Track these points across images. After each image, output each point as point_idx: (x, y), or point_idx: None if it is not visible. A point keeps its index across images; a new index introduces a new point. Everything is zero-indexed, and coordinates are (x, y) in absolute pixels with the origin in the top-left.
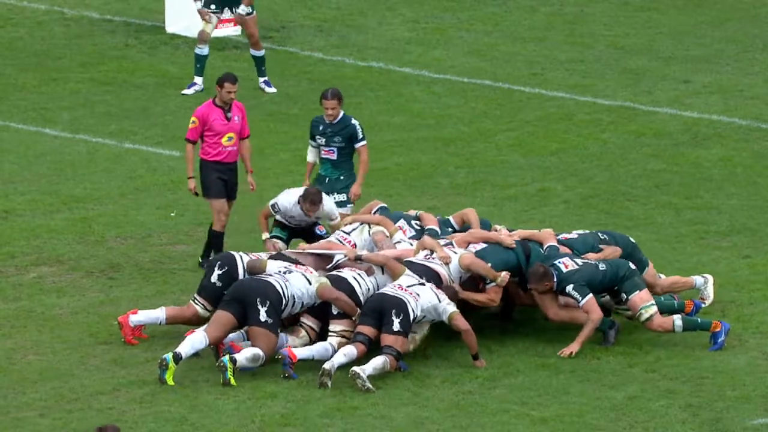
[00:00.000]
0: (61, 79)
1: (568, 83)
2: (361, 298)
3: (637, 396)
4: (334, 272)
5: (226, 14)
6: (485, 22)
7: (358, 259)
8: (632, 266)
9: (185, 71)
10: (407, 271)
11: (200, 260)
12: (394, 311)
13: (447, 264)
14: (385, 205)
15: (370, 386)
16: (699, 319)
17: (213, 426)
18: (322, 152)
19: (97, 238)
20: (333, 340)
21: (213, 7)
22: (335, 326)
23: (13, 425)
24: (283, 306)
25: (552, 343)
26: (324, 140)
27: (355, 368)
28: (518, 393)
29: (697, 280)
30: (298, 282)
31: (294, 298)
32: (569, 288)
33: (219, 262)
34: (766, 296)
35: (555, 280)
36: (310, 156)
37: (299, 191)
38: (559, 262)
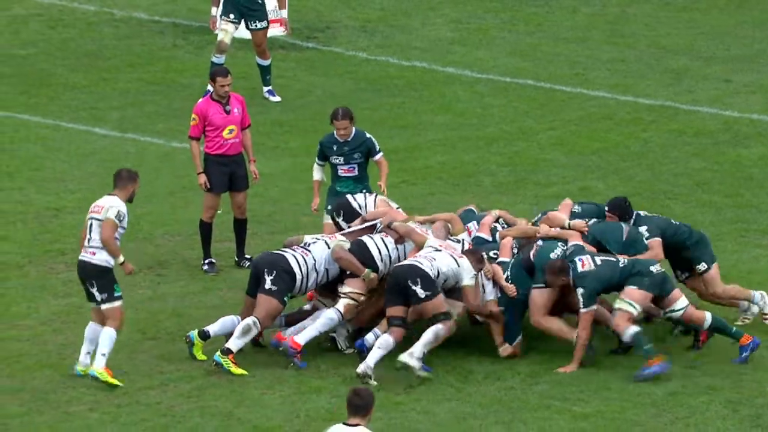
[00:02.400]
0: (110, 79)
1: (610, 83)
2: (379, 264)
3: (677, 392)
4: (361, 237)
5: (242, 26)
6: (527, 23)
7: (389, 226)
8: (656, 268)
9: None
10: (429, 241)
11: (236, 259)
12: (410, 281)
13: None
14: (473, 207)
15: (422, 373)
16: (733, 328)
17: (259, 420)
18: (341, 171)
19: (146, 236)
20: (341, 303)
21: (232, 16)
22: (344, 287)
23: (64, 419)
24: (297, 276)
25: (593, 340)
26: (342, 159)
27: (403, 357)
28: (559, 389)
29: (756, 295)
30: (319, 250)
31: (316, 268)
32: (580, 291)
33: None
34: None
35: (571, 276)
36: (318, 174)
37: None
38: (578, 259)
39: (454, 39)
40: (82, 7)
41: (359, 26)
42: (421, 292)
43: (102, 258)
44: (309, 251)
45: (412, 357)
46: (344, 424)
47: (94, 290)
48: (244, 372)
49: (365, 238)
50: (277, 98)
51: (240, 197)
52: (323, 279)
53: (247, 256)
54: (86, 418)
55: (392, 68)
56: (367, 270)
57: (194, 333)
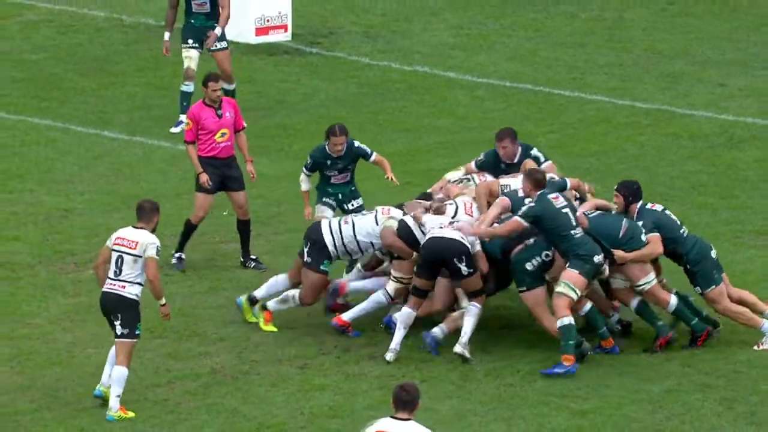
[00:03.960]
0: (119, 83)
1: (607, 87)
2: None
3: (673, 389)
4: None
5: (202, 50)
6: (526, 28)
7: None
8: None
9: (235, 75)
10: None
11: (241, 260)
12: (455, 258)
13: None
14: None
15: (470, 357)
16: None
17: (263, 417)
18: (334, 179)
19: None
20: (390, 286)
21: (190, 42)
22: (395, 271)
23: (74, 416)
24: (329, 246)
25: (592, 338)
26: (337, 171)
27: (457, 348)
28: (558, 386)
29: (765, 324)
30: (365, 224)
31: (356, 239)
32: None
33: None
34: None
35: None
36: (306, 185)
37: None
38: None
39: (455, 44)
40: (92, 14)
41: (362, 32)
42: (464, 269)
43: (133, 292)
44: (351, 222)
45: (465, 347)
46: (392, 417)
47: (117, 323)
48: (274, 329)
49: (408, 219)
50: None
51: (239, 198)
52: (369, 249)
53: (253, 257)
54: (95, 414)
55: (394, 73)
56: (415, 254)
57: (242, 298)
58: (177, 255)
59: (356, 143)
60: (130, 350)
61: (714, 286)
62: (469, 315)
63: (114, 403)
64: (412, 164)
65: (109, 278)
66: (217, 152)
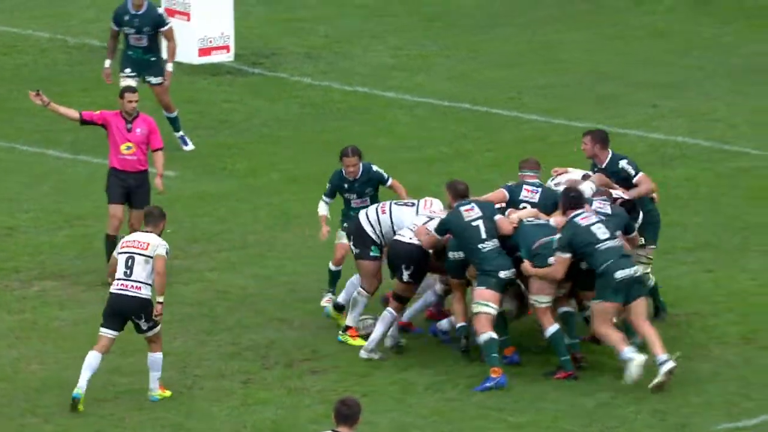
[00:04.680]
0: (63, 103)
1: (543, 107)
2: None
3: (607, 402)
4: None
5: (139, 79)
6: (465, 49)
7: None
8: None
9: (178, 95)
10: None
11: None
12: (404, 264)
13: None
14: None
15: (374, 356)
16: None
17: (207, 431)
18: (354, 203)
19: (97, 254)
20: (437, 287)
21: (128, 71)
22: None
23: (19, 431)
24: (370, 235)
25: (527, 354)
26: (355, 195)
27: (362, 354)
28: (496, 399)
29: (626, 353)
30: (404, 215)
31: (392, 230)
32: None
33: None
34: (728, 308)
35: None
36: (324, 210)
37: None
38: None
39: (395, 65)
40: (36, 35)
41: (304, 53)
42: (406, 276)
43: (146, 292)
44: (389, 211)
45: (372, 352)
46: (333, 431)
47: (141, 322)
48: (363, 342)
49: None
50: (190, 146)
51: (135, 216)
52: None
53: None
54: (40, 429)
55: (335, 93)
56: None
57: (329, 307)
58: None
59: (374, 167)
60: (160, 337)
61: (601, 301)
62: (382, 321)
63: (154, 384)
64: None
65: (120, 279)
66: (120, 164)
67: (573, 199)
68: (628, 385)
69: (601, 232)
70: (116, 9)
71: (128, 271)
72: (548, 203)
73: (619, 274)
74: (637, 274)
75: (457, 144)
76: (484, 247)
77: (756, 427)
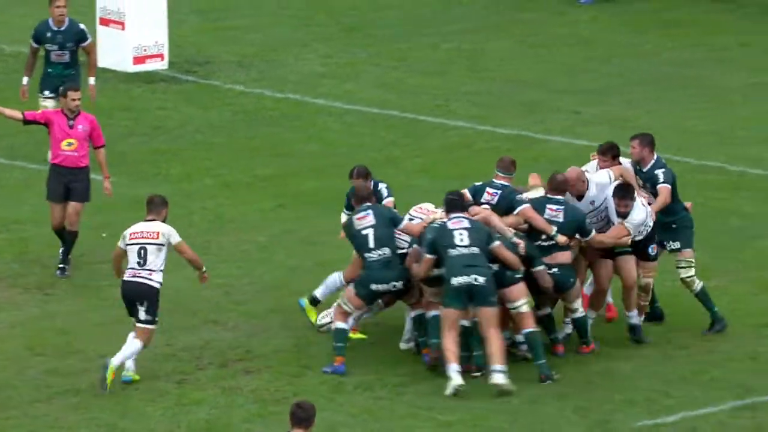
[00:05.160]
0: None
1: (469, 114)
2: None
3: (533, 400)
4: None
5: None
6: (392, 58)
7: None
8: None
9: (114, 102)
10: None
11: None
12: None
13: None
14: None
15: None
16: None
17: (142, 431)
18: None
19: (33, 257)
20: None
21: (47, 93)
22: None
23: None
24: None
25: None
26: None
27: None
28: (426, 398)
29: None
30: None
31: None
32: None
33: None
34: (640, 308)
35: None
36: (344, 219)
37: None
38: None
39: (325, 73)
40: None
41: (236, 61)
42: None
43: (157, 280)
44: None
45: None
46: None
47: (142, 309)
48: (363, 336)
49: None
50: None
51: (72, 208)
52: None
53: (61, 266)
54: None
55: (267, 100)
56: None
57: (304, 300)
58: (59, 266)
59: (381, 185)
60: (150, 335)
61: (443, 306)
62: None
63: (117, 360)
64: (284, 187)
65: (133, 268)
66: (61, 160)
67: (449, 202)
68: (552, 383)
69: (460, 238)
70: (37, 26)
71: (141, 261)
72: (503, 205)
73: (455, 281)
74: (477, 284)
75: (387, 150)
76: (371, 257)
77: (675, 423)
